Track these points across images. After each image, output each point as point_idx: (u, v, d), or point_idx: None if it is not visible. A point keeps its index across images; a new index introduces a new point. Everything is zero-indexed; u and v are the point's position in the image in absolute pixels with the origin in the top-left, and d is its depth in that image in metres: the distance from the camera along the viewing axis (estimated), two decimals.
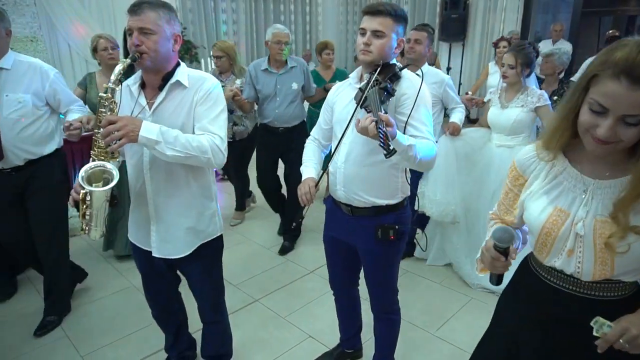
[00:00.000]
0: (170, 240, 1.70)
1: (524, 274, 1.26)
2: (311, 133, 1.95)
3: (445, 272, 3.04)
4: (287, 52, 3.19)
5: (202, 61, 6.35)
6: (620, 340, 0.96)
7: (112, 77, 1.46)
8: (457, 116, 2.94)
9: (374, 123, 1.30)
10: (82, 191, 1.50)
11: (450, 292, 2.83)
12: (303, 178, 1.76)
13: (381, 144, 1.26)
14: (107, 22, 6.28)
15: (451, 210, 2.83)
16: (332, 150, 1.76)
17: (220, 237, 1.85)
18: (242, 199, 3.97)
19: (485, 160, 2.79)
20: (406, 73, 1.63)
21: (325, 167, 4.15)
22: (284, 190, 3.58)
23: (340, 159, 1.70)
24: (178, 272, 1.93)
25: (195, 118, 1.57)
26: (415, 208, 2.65)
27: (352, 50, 8.95)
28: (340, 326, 2.18)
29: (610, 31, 6.26)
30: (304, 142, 3.47)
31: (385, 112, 1.37)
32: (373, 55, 1.57)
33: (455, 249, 2.97)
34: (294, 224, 1.78)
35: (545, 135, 1.13)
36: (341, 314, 2.14)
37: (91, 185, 1.50)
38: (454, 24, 7.35)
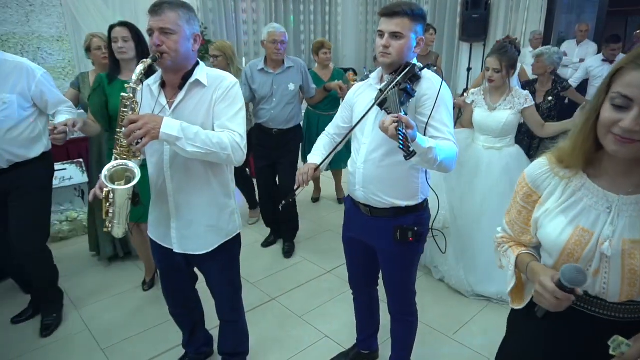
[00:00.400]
0: (190, 237, 1.73)
1: None
2: (326, 128, 1.94)
3: None
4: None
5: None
6: None
7: (134, 77, 1.48)
8: None
9: (394, 124, 1.29)
10: (105, 189, 1.53)
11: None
12: (307, 162, 1.77)
13: (400, 146, 1.25)
14: (130, 21, 6.40)
15: (441, 215, 2.74)
16: (338, 145, 1.77)
17: (239, 236, 1.86)
18: (253, 198, 3.95)
19: (473, 163, 2.75)
20: (426, 73, 1.61)
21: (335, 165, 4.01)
22: None
23: (359, 159, 1.69)
24: (196, 269, 1.95)
25: (214, 116, 1.59)
26: None
27: (371, 50, 8.91)
28: (357, 326, 2.17)
29: (638, 31, 6.10)
30: (298, 146, 3.34)
31: (405, 114, 1.36)
32: (392, 57, 1.56)
33: (444, 256, 2.76)
34: (282, 203, 1.78)
35: (561, 149, 1.05)
36: (359, 313, 2.13)
37: (114, 184, 1.52)
38: (475, 24, 7.25)
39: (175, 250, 1.75)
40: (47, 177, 2.40)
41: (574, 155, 1.01)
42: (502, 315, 1.19)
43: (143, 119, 1.40)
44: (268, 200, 3.43)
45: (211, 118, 1.59)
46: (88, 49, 2.93)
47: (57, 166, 3.59)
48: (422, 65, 1.62)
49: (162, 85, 1.63)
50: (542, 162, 1.09)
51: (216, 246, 1.76)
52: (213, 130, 1.58)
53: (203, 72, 1.61)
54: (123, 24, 2.46)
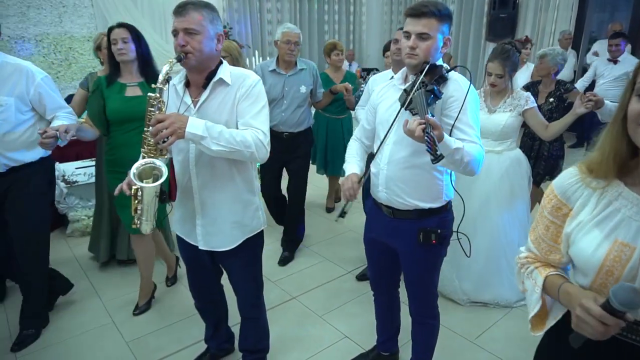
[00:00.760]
0: (215, 234, 1.75)
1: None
2: (354, 133, 1.94)
3: None
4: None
5: (247, 60, 6.48)
6: None
7: (160, 77, 1.51)
8: None
9: (421, 127, 1.28)
10: (134, 187, 1.57)
11: None
12: (346, 174, 1.75)
13: (428, 149, 1.24)
14: (158, 22, 6.55)
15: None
16: (375, 151, 1.75)
17: (262, 233, 1.88)
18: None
19: None
20: (453, 75, 1.60)
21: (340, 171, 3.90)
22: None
23: (383, 160, 1.68)
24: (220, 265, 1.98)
25: (238, 114, 1.61)
26: None
27: None
28: (378, 327, 2.17)
29: None
30: (309, 151, 3.27)
31: (432, 116, 1.35)
32: (419, 58, 1.54)
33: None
34: (337, 219, 1.78)
35: (591, 158, 0.96)
36: (379, 315, 2.12)
37: (142, 182, 1.56)
38: (502, 24, 7.12)
39: (200, 247, 1.78)
40: (45, 183, 2.35)
41: (605, 162, 0.92)
42: (526, 322, 1.15)
43: (170, 119, 1.43)
44: (270, 202, 3.35)
45: (235, 116, 1.61)
46: (98, 48, 2.89)
47: (84, 162, 3.72)
48: (449, 67, 1.60)
49: (187, 84, 1.66)
50: (571, 172, 1.00)
51: (240, 242, 1.78)
52: (237, 128, 1.61)
53: (226, 71, 1.63)
54: (122, 25, 2.38)
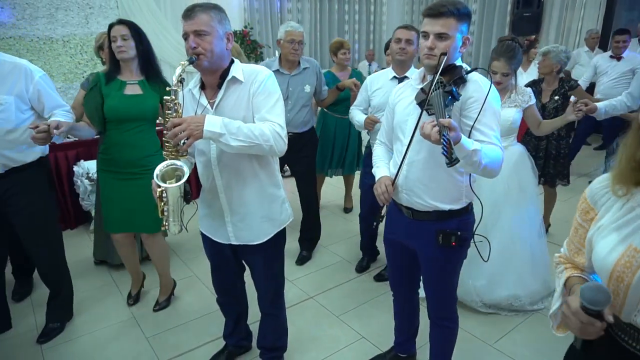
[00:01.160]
0: (246, 229, 1.79)
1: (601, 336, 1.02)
2: (377, 136, 1.92)
3: None
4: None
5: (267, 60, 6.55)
6: None
7: (174, 79, 1.54)
8: None
9: (436, 129, 1.26)
10: (159, 189, 1.60)
11: None
12: (377, 178, 1.74)
13: (444, 152, 1.22)
14: (180, 23, 6.63)
15: None
16: (394, 152, 1.74)
17: (284, 230, 1.90)
18: None
19: None
20: (473, 76, 1.57)
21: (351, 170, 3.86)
22: (295, 200, 3.41)
23: (402, 161, 1.67)
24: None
25: (253, 109, 1.63)
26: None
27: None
28: (396, 328, 2.15)
29: None
30: (314, 152, 3.23)
31: (449, 117, 1.33)
32: (438, 58, 1.53)
33: None
34: (374, 224, 1.79)
35: (618, 165, 0.95)
36: (398, 316, 2.11)
37: (165, 183, 1.59)
38: (526, 23, 6.99)
39: (233, 243, 1.81)
40: (45, 183, 2.32)
41: (623, 172, 0.92)
42: (548, 326, 1.12)
43: (186, 121, 1.45)
44: None
45: (251, 112, 1.63)
46: (100, 48, 2.83)
47: None
48: (469, 68, 1.58)
49: (202, 87, 1.69)
50: (604, 178, 1.01)
51: (272, 235, 1.81)
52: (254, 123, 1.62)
53: (239, 68, 1.66)
54: (122, 22, 2.31)
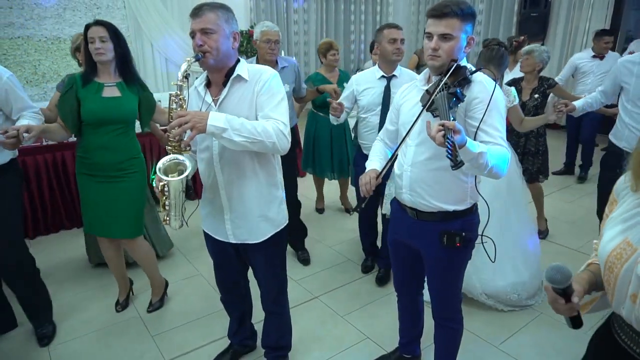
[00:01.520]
0: (244, 227, 1.79)
1: (604, 332, 1.05)
2: (379, 134, 1.93)
3: None
4: None
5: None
6: None
7: (179, 76, 1.56)
8: None
9: (441, 132, 1.26)
10: (161, 183, 1.61)
11: None
12: (367, 170, 1.75)
13: (448, 155, 1.21)
14: (187, 23, 6.64)
15: None
16: (398, 153, 1.73)
17: (286, 228, 1.90)
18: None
19: None
20: (478, 76, 1.56)
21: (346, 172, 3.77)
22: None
23: (406, 161, 1.67)
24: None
25: (257, 108, 1.64)
26: (384, 212, 2.56)
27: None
28: (400, 329, 2.15)
29: None
30: (294, 151, 3.12)
31: (454, 119, 1.33)
32: (442, 59, 1.51)
33: None
34: (351, 213, 1.80)
35: (633, 160, 0.97)
36: (402, 317, 2.11)
37: (168, 177, 1.61)
38: (534, 23, 6.95)
39: (231, 241, 1.82)
40: (16, 185, 2.24)
41: (633, 174, 0.94)
42: (555, 327, 1.12)
43: (190, 114, 1.46)
44: None
45: (254, 110, 1.64)
46: (77, 49, 2.76)
47: None
48: (474, 68, 1.57)
49: (208, 85, 1.71)
50: (629, 172, 1.03)
51: (269, 236, 1.82)
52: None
53: (244, 67, 1.67)
54: (100, 23, 2.21)
